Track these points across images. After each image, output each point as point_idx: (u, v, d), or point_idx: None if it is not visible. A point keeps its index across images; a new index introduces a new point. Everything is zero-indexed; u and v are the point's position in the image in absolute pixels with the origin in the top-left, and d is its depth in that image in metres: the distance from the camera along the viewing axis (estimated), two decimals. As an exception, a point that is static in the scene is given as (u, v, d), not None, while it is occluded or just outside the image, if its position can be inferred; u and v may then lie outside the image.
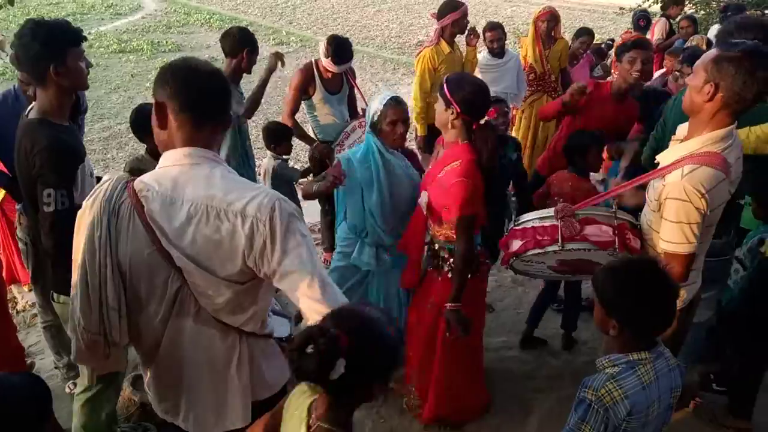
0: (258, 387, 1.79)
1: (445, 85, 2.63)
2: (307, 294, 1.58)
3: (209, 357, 1.71)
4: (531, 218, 2.59)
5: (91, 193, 1.68)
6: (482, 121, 2.68)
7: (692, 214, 2.06)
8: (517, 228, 2.62)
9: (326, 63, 4.12)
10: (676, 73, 4.52)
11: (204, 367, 1.72)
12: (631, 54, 3.43)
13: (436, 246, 2.82)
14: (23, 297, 4.28)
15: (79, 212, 1.68)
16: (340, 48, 4.10)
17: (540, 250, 2.49)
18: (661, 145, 2.88)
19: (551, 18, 5.29)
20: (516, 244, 2.57)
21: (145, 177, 1.64)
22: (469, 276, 2.73)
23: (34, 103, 2.47)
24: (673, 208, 2.09)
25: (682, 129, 2.32)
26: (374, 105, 2.93)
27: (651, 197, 2.25)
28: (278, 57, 4.03)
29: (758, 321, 2.85)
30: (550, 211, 2.51)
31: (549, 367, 3.63)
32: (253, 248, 1.56)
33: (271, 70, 4.00)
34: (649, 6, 9.27)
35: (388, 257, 3.09)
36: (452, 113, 2.59)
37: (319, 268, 1.62)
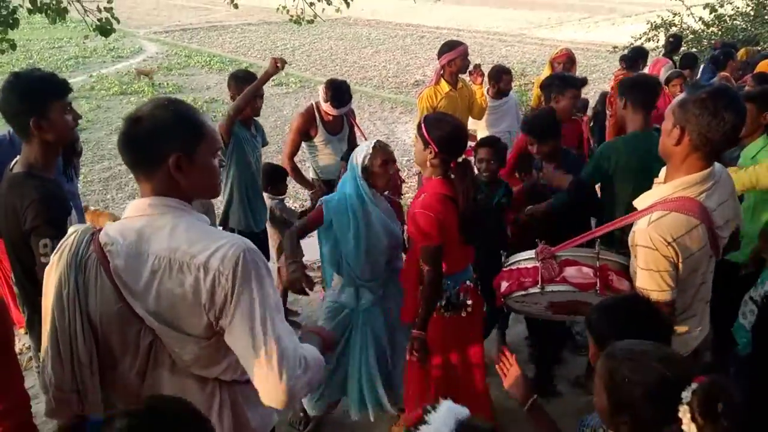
0: None
1: (422, 125, 2.67)
2: (253, 359, 1.49)
3: None
4: (519, 259, 2.58)
5: (57, 247, 1.64)
6: (460, 159, 2.70)
7: (660, 262, 2.00)
8: (505, 270, 2.62)
9: (326, 107, 4.18)
10: None
11: None
12: (573, 92, 3.92)
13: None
14: (19, 340, 4.22)
15: (47, 268, 1.64)
16: (338, 92, 4.16)
17: (523, 292, 2.47)
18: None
19: (568, 60, 5.49)
20: (503, 285, 2.58)
21: (110, 229, 1.60)
22: (458, 313, 2.74)
23: (17, 158, 2.41)
24: (642, 255, 2.04)
25: (665, 171, 2.28)
26: (362, 151, 2.95)
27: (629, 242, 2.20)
28: (279, 62, 3.78)
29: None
30: (532, 253, 2.50)
31: (551, 406, 3.57)
32: (215, 303, 1.49)
33: (268, 75, 3.83)
34: (642, 44, 9.46)
35: (369, 296, 3.08)
36: (430, 152, 2.63)
37: (274, 331, 1.50)
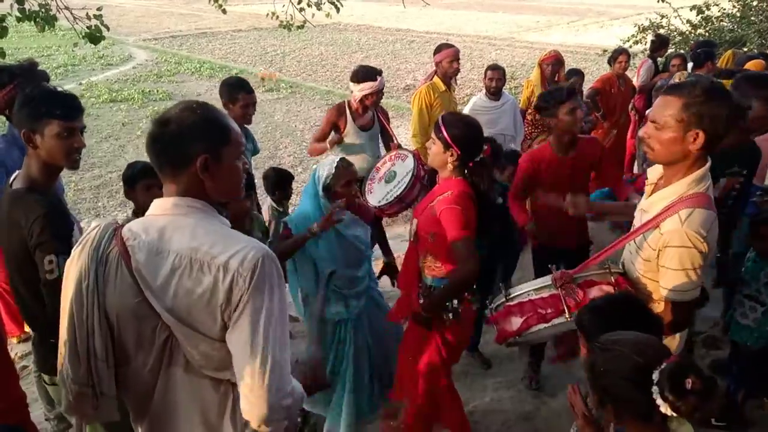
0: None
1: (443, 128, 2.57)
2: (247, 367, 1.49)
3: (203, 407, 1.66)
4: (525, 290, 2.40)
5: (80, 240, 1.66)
6: (477, 159, 2.64)
7: (697, 259, 2.00)
8: (512, 304, 2.40)
9: (364, 87, 4.20)
10: None
11: (198, 417, 1.68)
12: (568, 105, 3.19)
13: (427, 284, 2.74)
14: (12, 349, 4.20)
15: (68, 261, 1.66)
16: (362, 69, 4.30)
17: (546, 325, 2.28)
18: None
19: (556, 62, 5.61)
20: (516, 322, 2.35)
21: (134, 224, 1.62)
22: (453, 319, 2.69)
23: (18, 172, 2.39)
24: (677, 256, 2.01)
25: (655, 173, 2.28)
26: (324, 169, 2.98)
27: (644, 246, 2.15)
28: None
29: None
30: (545, 280, 2.34)
31: (546, 408, 3.58)
32: (230, 303, 1.50)
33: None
34: (630, 47, 9.52)
35: (356, 302, 3.11)
36: (452, 155, 2.56)
37: (274, 345, 1.51)
